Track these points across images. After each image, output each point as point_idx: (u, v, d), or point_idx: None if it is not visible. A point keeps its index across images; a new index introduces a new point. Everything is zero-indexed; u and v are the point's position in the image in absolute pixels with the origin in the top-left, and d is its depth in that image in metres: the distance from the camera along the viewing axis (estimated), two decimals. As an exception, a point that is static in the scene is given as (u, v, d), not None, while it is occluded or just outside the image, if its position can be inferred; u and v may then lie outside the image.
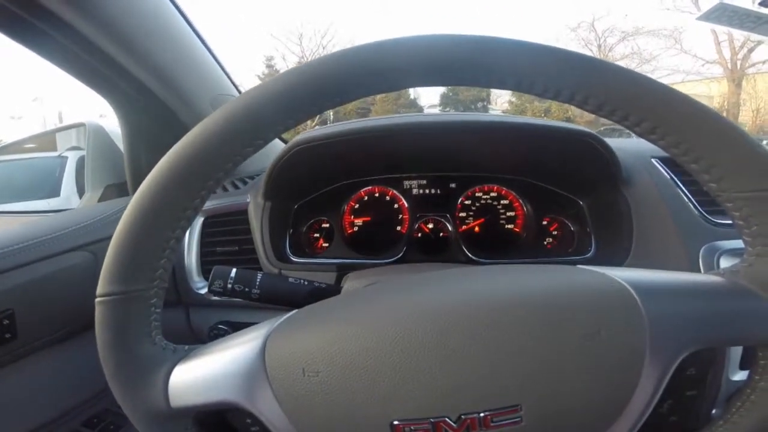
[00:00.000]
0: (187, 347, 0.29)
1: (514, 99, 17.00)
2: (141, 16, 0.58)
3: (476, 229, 0.70)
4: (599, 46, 15.71)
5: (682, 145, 0.26)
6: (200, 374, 0.27)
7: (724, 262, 0.51)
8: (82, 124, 0.88)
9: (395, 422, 0.24)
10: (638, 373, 0.25)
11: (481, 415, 0.24)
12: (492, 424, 0.24)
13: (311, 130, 0.59)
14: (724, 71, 12.77)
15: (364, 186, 0.71)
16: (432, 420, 0.24)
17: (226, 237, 0.64)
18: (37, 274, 0.55)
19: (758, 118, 12.28)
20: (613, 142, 0.61)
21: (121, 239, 0.26)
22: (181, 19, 0.65)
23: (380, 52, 0.25)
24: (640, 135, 0.26)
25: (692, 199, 0.56)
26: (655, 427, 0.41)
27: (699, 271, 0.51)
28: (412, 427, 0.24)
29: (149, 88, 0.64)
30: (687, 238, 0.53)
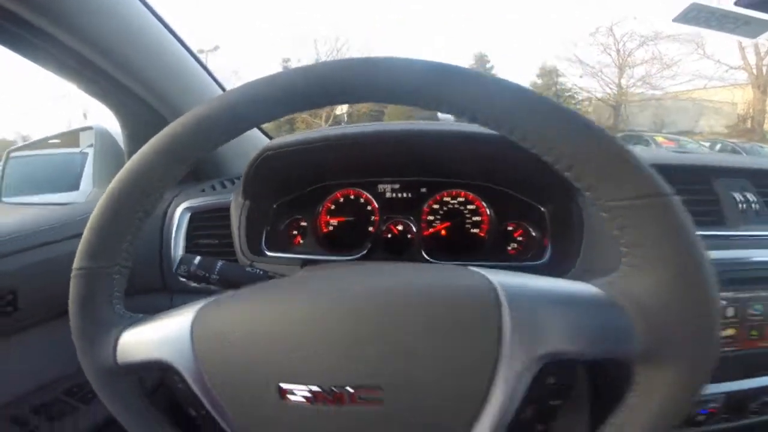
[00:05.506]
0: (141, 315, 0.34)
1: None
2: (128, 33, 0.66)
3: (442, 232, 0.73)
4: (618, 51, 15.14)
5: (553, 153, 0.26)
6: (143, 337, 0.32)
7: None
8: (90, 128, 0.96)
9: (281, 385, 0.28)
10: (492, 374, 0.26)
11: (350, 390, 0.27)
12: (359, 401, 0.27)
13: (285, 136, 0.63)
14: (749, 77, 12.12)
15: (340, 188, 0.76)
16: (311, 388, 0.27)
17: (209, 231, 0.71)
18: (40, 257, 0.62)
19: (785, 126, 11.76)
20: None
21: (91, 225, 0.32)
22: (168, 34, 0.73)
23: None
24: (519, 143, 0.27)
25: None
26: None
27: None
28: (294, 392, 0.28)
29: (143, 98, 0.72)
30: None
